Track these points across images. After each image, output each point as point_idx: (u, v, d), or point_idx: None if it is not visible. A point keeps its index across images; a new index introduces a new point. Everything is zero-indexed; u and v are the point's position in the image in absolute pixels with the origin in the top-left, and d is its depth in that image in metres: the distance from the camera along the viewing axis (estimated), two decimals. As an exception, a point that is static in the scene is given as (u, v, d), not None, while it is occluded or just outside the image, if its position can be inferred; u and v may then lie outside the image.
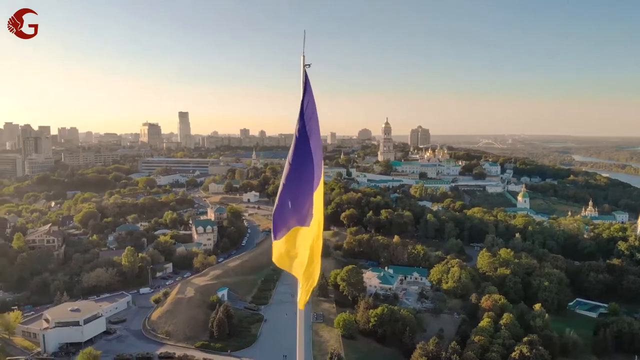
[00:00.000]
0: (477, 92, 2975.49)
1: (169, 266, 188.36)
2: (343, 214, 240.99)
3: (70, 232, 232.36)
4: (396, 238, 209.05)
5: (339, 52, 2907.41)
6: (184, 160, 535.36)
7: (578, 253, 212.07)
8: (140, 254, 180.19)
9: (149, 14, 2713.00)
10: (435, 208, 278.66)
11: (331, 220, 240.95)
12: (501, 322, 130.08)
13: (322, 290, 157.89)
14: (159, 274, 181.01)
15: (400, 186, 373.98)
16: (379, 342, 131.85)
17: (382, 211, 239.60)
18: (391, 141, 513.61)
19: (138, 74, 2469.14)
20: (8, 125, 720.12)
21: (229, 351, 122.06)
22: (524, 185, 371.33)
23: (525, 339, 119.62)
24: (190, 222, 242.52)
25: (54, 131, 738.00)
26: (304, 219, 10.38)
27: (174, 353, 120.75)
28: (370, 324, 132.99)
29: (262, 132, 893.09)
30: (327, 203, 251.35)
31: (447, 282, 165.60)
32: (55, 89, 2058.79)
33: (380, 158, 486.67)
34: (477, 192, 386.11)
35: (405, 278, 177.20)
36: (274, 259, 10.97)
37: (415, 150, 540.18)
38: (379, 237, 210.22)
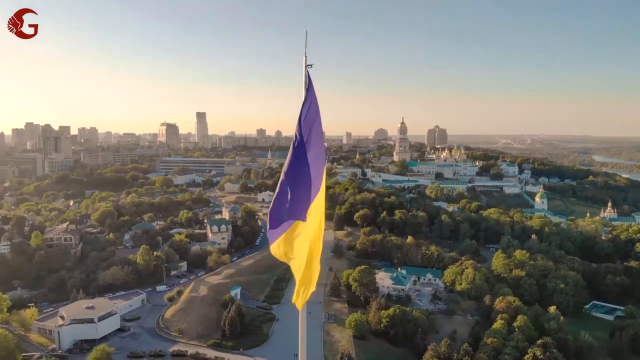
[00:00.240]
0: (496, 92, 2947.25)
1: (184, 265, 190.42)
2: (357, 214, 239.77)
3: (88, 231, 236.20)
4: (410, 239, 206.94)
5: (357, 52, 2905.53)
6: (201, 160, 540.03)
7: (595, 255, 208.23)
8: (155, 253, 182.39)
9: (169, 16, 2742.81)
10: (450, 209, 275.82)
11: (345, 220, 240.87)
12: (515, 324, 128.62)
13: (335, 290, 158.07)
14: (173, 273, 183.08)
15: (416, 186, 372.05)
16: (391, 343, 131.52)
17: (396, 211, 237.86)
18: (407, 141, 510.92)
19: (159, 75, 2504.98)
20: (29, 125, 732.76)
21: (240, 350, 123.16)
22: (541, 186, 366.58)
23: (539, 341, 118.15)
24: (205, 221, 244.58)
25: (74, 131, 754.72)
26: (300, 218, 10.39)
27: (187, 351, 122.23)
28: (382, 325, 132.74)
29: (279, 132, 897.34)
30: (340, 203, 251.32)
31: (460, 284, 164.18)
32: (76, 90, 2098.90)
33: (395, 158, 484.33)
34: (494, 192, 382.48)
35: (418, 279, 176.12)
36: (271, 249, 11.00)
37: (432, 150, 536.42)
38: (393, 238, 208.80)
